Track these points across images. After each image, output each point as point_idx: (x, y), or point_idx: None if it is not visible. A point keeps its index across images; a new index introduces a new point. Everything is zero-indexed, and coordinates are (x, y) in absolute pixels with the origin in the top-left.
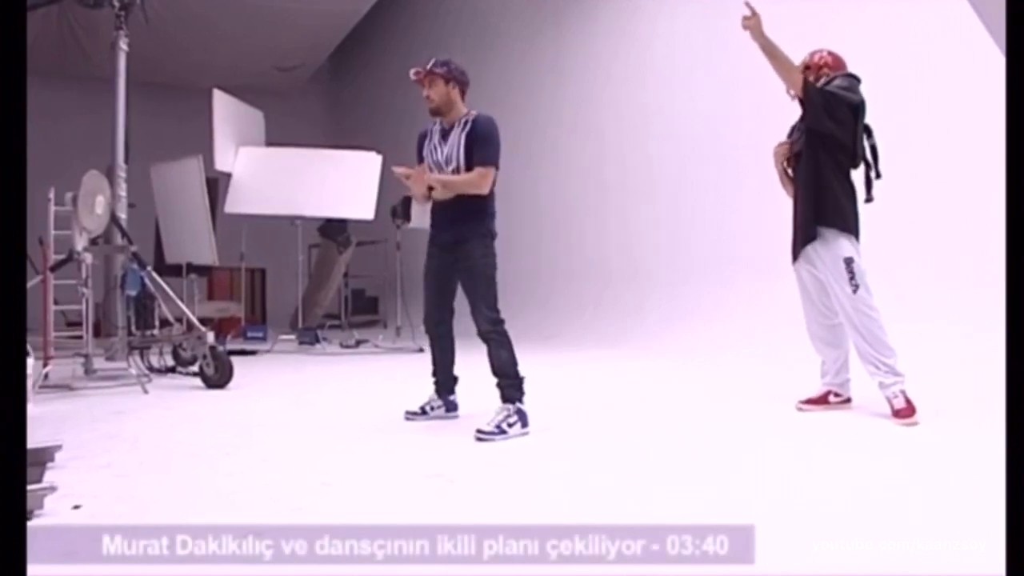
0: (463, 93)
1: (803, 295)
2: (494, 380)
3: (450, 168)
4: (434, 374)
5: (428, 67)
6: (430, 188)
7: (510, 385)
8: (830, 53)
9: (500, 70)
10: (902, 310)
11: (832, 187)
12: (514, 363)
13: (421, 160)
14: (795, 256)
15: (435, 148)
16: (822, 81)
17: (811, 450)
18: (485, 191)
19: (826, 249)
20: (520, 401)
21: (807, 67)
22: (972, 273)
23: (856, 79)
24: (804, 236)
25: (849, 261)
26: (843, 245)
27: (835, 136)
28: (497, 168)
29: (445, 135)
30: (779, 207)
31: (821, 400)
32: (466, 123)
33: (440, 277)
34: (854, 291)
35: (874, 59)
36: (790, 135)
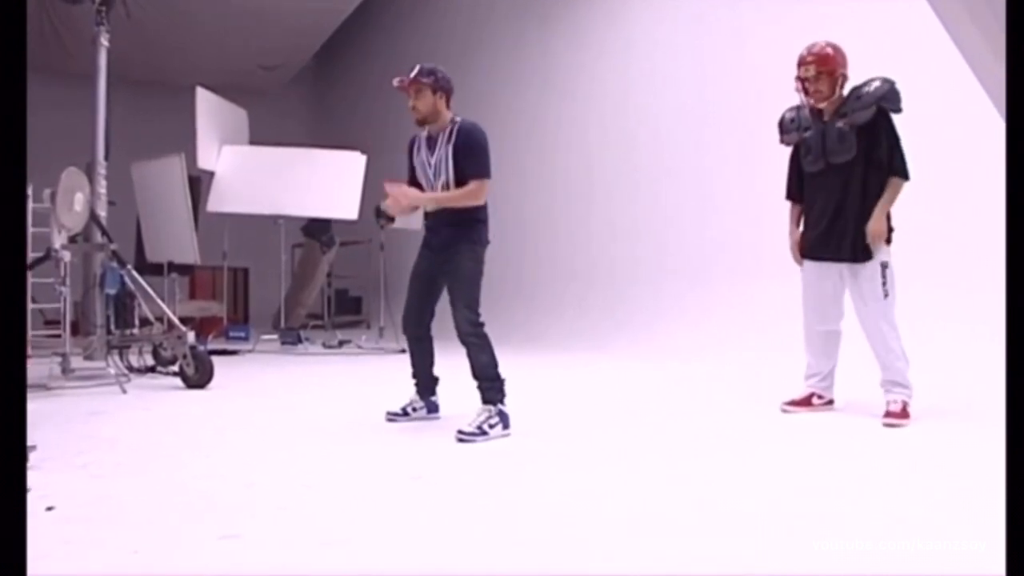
0: (448, 101)
1: (805, 296)
2: (475, 383)
3: (440, 181)
4: (414, 375)
5: (413, 75)
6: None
7: (491, 388)
8: (829, 44)
9: (486, 71)
10: (903, 310)
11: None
12: (494, 365)
13: (412, 169)
14: (815, 256)
15: (424, 161)
16: (844, 83)
17: (810, 450)
18: (481, 203)
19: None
20: (501, 403)
21: (801, 63)
22: (972, 273)
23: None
24: (851, 257)
25: (885, 265)
26: (883, 249)
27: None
28: (489, 177)
29: (432, 145)
30: (762, 209)
31: (804, 402)
32: (451, 133)
33: (427, 278)
34: (885, 296)
35: (874, 58)
36: (785, 131)
